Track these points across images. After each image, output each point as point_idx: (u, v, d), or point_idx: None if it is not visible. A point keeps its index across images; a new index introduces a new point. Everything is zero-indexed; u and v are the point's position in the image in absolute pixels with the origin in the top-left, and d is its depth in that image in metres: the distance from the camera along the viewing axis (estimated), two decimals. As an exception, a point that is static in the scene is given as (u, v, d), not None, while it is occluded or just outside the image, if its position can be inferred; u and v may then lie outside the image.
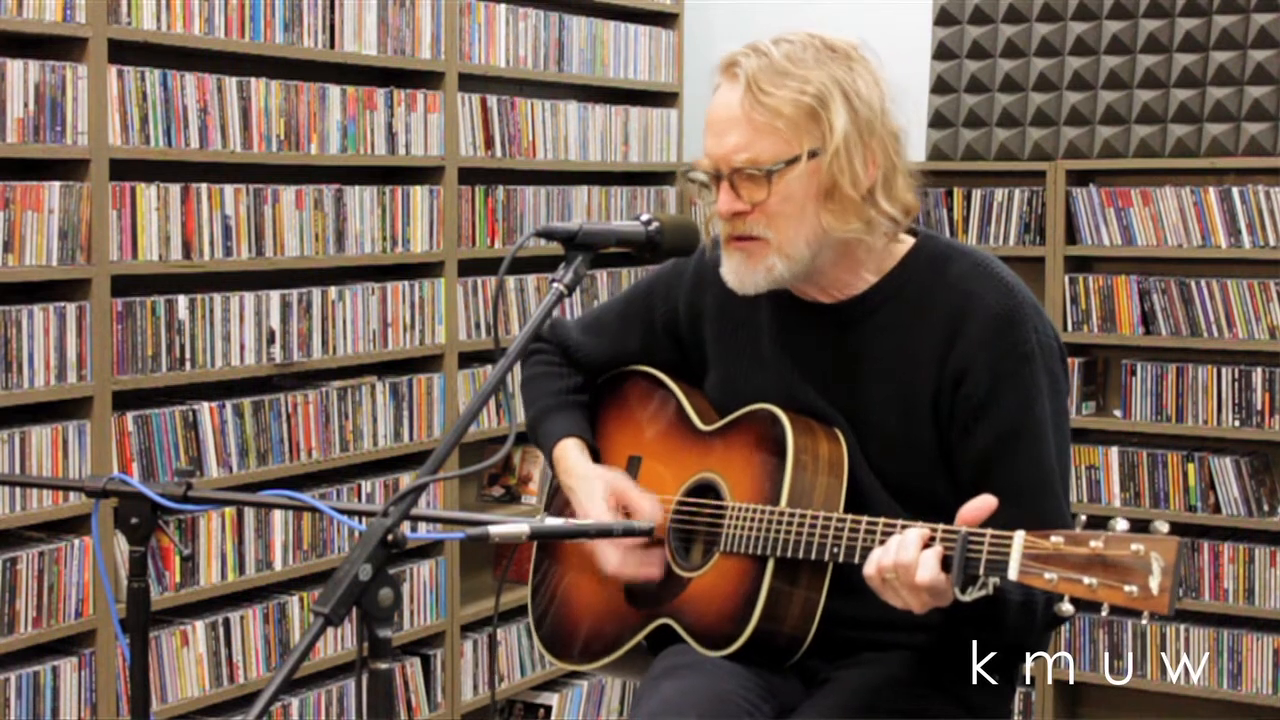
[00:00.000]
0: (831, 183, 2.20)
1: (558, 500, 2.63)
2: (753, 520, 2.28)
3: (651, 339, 2.56)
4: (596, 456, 2.55)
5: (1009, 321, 2.23)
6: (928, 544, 2.03)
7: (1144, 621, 1.92)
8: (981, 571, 1.99)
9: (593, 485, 2.45)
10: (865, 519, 2.16)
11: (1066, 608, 1.94)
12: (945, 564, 2.01)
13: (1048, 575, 1.93)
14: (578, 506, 2.46)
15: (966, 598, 2.00)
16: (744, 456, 2.37)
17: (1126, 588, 1.88)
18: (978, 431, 2.22)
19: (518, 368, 2.35)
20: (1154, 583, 1.87)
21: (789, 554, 2.22)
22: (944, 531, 2.03)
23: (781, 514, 2.25)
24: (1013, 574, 1.95)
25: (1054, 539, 1.94)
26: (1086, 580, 1.90)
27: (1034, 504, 2.18)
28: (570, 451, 2.53)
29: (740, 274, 2.27)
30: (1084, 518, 1.97)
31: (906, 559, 2.02)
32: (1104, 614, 1.93)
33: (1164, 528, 1.90)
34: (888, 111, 2.25)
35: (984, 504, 2.03)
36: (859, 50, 2.26)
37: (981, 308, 2.24)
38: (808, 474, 2.28)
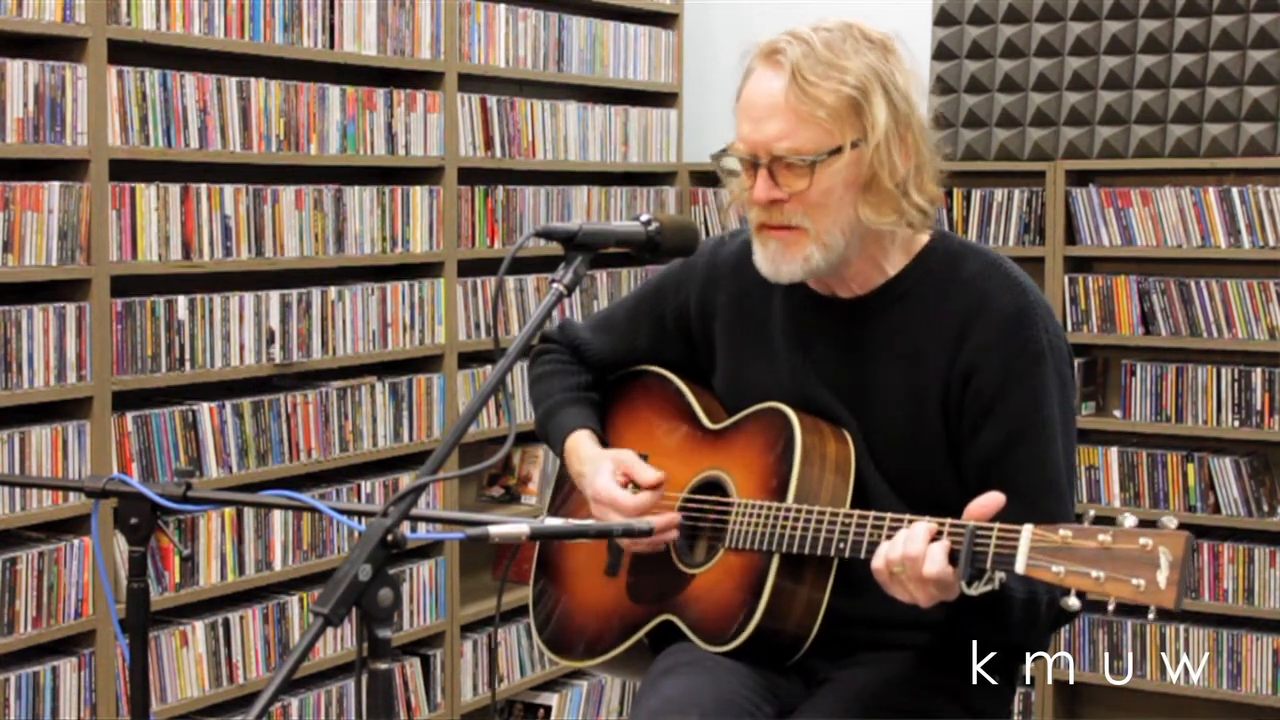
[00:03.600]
0: (871, 174, 2.20)
1: (559, 500, 2.63)
2: (759, 516, 2.28)
3: (661, 335, 2.56)
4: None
5: (1020, 322, 2.23)
6: (935, 537, 2.03)
7: (1151, 617, 1.91)
8: (989, 565, 1.99)
9: (600, 464, 2.45)
10: (872, 514, 2.16)
11: (1073, 602, 1.93)
12: (952, 558, 2.01)
13: (1055, 568, 1.92)
14: (588, 486, 2.46)
15: (973, 592, 2.00)
16: (751, 454, 2.37)
17: (1134, 581, 1.88)
18: (986, 430, 2.23)
19: (518, 368, 2.35)
20: (1161, 577, 1.87)
21: (795, 550, 2.22)
22: (951, 525, 2.03)
23: (788, 510, 2.25)
24: (1020, 567, 1.95)
25: (1062, 532, 1.93)
26: (1094, 574, 1.89)
27: (1040, 503, 2.18)
28: (583, 442, 2.53)
29: (776, 262, 2.26)
30: (1092, 513, 1.97)
31: (914, 551, 2.02)
32: (1110, 610, 1.92)
33: (1172, 523, 1.90)
34: (918, 104, 2.26)
35: (992, 500, 2.03)
36: (893, 41, 2.26)
37: (994, 307, 2.24)
38: (815, 472, 2.28)
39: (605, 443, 2.56)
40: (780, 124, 2.19)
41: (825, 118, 2.18)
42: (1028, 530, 1.96)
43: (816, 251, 2.23)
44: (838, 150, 2.19)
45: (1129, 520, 1.91)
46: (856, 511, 2.19)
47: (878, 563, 2.06)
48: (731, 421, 2.43)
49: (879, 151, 2.19)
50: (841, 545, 2.18)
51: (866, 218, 2.22)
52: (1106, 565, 1.89)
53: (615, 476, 2.42)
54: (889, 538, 2.09)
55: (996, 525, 2.00)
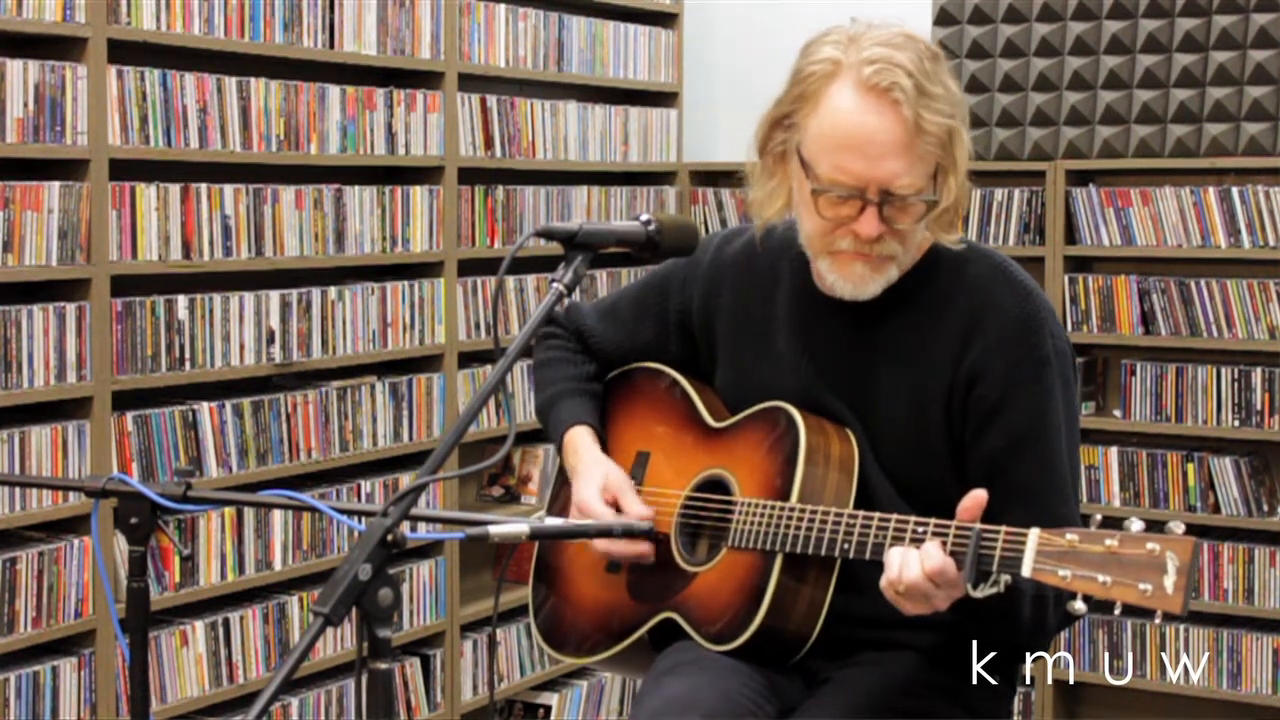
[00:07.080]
0: (955, 200, 2.20)
1: (558, 498, 2.63)
2: (762, 515, 2.28)
3: (664, 332, 2.56)
4: (605, 448, 2.55)
5: (1026, 326, 2.23)
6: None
7: (1157, 621, 1.91)
8: (995, 568, 1.99)
9: (593, 473, 2.46)
10: (877, 515, 2.16)
11: (1079, 606, 1.93)
12: (959, 561, 2.02)
13: (1061, 572, 1.92)
14: (575, 490, 2.46)
15: (979, 594, 2.00)
16: (755, 453, 2.37)
17: (1141, 586, 1.88)
18: (990, 434, 2.23)
19: (518, 368, 2.35)
20: (1168, 582, 1.86)
21: (799, 549, 2.22)
22: (957, 530, 2.03)
23: (792, 509, 2.24)
24: (1027, 570, 1.95)
25: (1069, 536, 1.93)
26: (1100, 578, 1.89)
27: (1045, 507, 2.18)
28: (580, 436, 2.53)
29: (861, 284, 2.24)
30: (1099, 518, 1.97)
31: (911, 573, 2.02)
32: (1116, 613, 1.93)
33: (1179, 528, 1.89)
34: None
35: (976, 499, 2.03)
36: (936, 47, 2.24)
37: (999, 311, 2.24)
38: (819, 472, 2.28)
39: (604, 440, 2.56)
40: (898, 162, 2.15)
41: (933, 150, 2.16)
42: (1034, 534, 1.96)
43: (896, 271, 2.25)
44: (943, 184, 2.19)
45: (1135, 525, 1.91)
46: (861, 512, 2.19)
47: (885, 587, 2.07)
48: (734, 420, 2.43)
49: (963, 178, 2.19)
50: (846, 546, 2.18)
51: (939, 237, 2.24)
52: (1113, 570, 1.89)
53: (603, 495, 2.43)
54: (893, 539, 2.10)
55: (1003, 529, 2.00)
